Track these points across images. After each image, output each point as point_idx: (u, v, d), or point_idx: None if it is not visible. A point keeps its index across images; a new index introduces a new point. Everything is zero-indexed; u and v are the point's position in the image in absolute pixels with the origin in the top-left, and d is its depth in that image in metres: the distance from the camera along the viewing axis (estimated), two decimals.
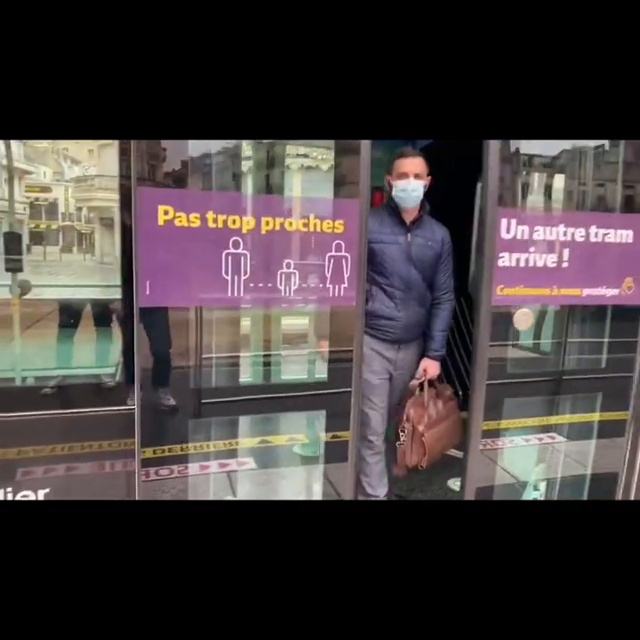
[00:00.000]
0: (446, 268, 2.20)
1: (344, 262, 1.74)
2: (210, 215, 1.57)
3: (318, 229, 1.70)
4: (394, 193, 2.08)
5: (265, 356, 2.85)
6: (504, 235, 1.88)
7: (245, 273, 1.63)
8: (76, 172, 2.35)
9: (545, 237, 1.93)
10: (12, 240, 2.00)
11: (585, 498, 2.41)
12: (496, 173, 1.86)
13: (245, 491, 2.38)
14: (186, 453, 2.29)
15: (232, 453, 2.45)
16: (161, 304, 1.59)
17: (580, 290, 2.01)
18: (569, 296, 2.01)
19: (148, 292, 1.53)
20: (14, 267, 1.98)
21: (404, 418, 2.08)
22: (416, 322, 2.18)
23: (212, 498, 2.29)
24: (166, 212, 1.52)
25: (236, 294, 1.62)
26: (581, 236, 1.98)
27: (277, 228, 1.66)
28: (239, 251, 1.62)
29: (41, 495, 1.61)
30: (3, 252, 2.01)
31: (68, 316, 2.17)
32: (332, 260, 1.73)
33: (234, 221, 1.60)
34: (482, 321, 1.89)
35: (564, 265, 1.96)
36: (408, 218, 2.12)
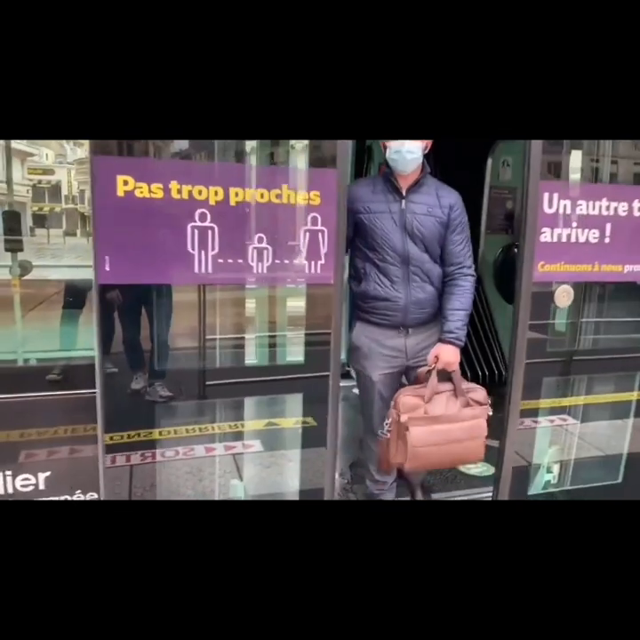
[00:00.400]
0: (459, 238, 1.83)
1: (320, 237, 1.58)
2: (173, 185, 1.44)
3: (292, 201, 1.55)
4: (387, 155, 1.78)
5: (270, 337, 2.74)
6: (546, 209, 1.78)
7: (214, 248, 1.49)
8: (78, 153, 2.26)
9: (587, 212, 1.84)
10: (12, 219, 1.92)
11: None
12: (539, 145, 1.73)
13: (250, 473, 2.30)
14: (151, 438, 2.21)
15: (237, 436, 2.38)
16: (122, 281, 1.47)
17: (622, 266, 1.92)
18: (610, 273, 1.92)
19: (107, 269, 1.42)
20: (14, 247, 1.90)
21: (392, 404, 1.78)
22: (419, 301, 1.83)
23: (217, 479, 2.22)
24: (126, 183, 1.40)
25: (203, 271, 1.49)
26: (624, 211, 1.87)
27: (248, 199, 1.51)
28: (206, 224, 1.48)
29: (42, 478, 1.59)
30: (2, 233, 1.94)
31: (69, 297, 2.10)
32: (307, 235, 1.57)
33: (200, 192, 1.47)
34: (522, 299, 1.80)
35: (606, 240, 1.87)
36: (404, 184, 1.80)
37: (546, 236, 1.79)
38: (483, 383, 3.36)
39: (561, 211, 1.79)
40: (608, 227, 1.86)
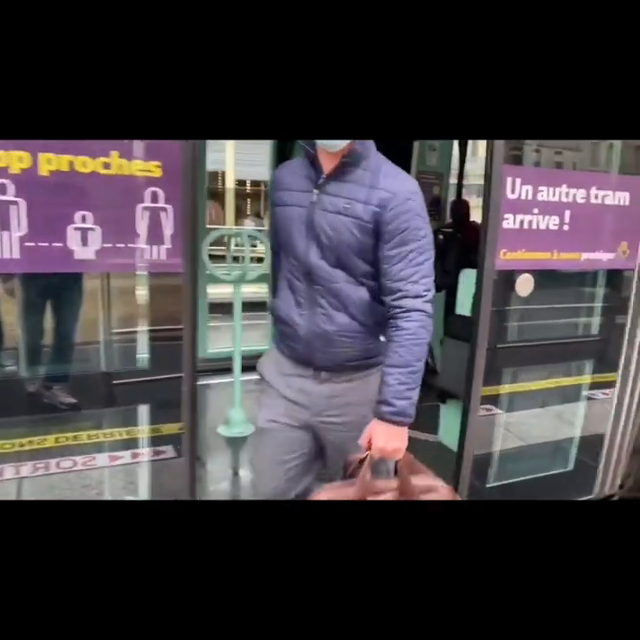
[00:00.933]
0: (396, 252, 1.17)
1: (163, 216, 1.26)
2: None
3: (125, 172, 1.22)
4: None
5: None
6: (509, 195, 1.65)
7: (20, 228, 1.16)
8: None
9: (548, 198, 1.74)
10: None
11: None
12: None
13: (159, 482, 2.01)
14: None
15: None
16: None
17: (580, 254, 1.84)
18: (569, 260, 1.83)
19: None
20: None
21: None
22: (326, 336, 1.24)
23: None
24: None
25: (4, 256, 1.16)
26: (582, 198, 1.79)
27: (65, 168, 1.18)
28: (6, 197, 1.15)
29: None
30: None
31: None
32: (146, 214, 1.25)
33: None
34: (484, 285, 1.66)
35: (565, 228, 1.78)
36: (328, 166, 1.21)
37: (508, 222, 1.67)
38: None
39: (523, 196, 1.69)
40: (567, 213, 1.77)
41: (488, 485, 2.11)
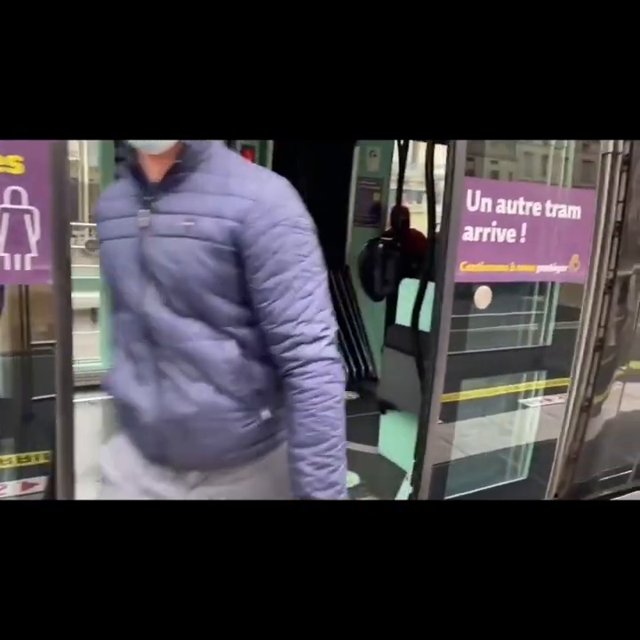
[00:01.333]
0: (273, 283, 0.82)
1: (28, 220, 1.07)
2: None
3: None
4: None
5: None
6: (470, 207, 1.63)
7: None
8: None
9: (506, 211, 1.72)
10: None
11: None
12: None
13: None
14: None
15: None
16: None
17: (535, 266, 1.83)
18: (525, 273, 1.83)
19: None
20: None
21: None
22: (180, 421, 0.86)
23: None
24: None
25: None
26: (538, 211, 1.78)
27: None
28: None
29: None
30: None
31: None
32: (5, 216, 1.06)
33: None
34: (445, 297, 1.64)
35: (522, 240, 1.77)
36: (157, 173, 0.85)
37: (468, 234, 1.65)
38: (350, 380, 3.14)
39: (483, 209, 1.67)
40: (524, 226, 1.76)
41: (446, 498, 2.04)
